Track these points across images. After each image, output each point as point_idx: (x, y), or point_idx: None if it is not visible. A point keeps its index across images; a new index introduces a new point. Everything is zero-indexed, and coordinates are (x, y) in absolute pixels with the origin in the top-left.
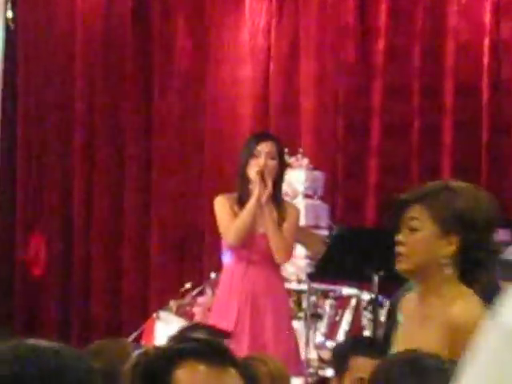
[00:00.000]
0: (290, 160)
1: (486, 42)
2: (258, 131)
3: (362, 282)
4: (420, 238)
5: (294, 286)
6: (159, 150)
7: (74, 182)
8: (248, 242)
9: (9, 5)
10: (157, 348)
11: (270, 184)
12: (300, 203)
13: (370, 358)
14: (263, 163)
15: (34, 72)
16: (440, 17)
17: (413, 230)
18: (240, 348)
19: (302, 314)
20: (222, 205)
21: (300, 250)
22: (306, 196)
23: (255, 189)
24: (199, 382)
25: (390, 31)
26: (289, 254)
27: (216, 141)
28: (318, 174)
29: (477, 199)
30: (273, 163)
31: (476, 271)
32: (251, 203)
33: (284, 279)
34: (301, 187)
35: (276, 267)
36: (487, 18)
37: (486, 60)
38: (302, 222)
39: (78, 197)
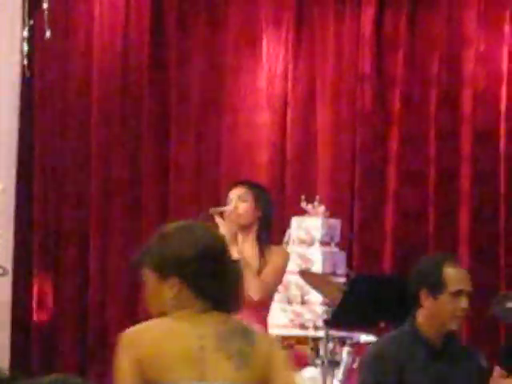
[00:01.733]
0: (307, 207)
1: (504, 89)
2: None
3: (379, 330)
4: (147, 289)
5: (310, 332)
6: (175, 197)
7: (90, 235)
8: None
9: (25, 52)
10: None
11: (233, 223)
12: (317, 250)
13: None
14: (232, 207)
15: (49, 123)
16: (456, 64)
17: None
18: None
19: (319, 361)
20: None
21: (316, 297)
22: (323, 243)
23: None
24: None
25: (406, 79)
26: (260, 293)
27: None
28: (335, 221)
29: (169, 237)
30: (243, 205)
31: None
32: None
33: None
34: (318, 234)
35: (257, 311)
36: (504, 65)
37: (503, 107)
38: (319, 269)
39: (94, 252)
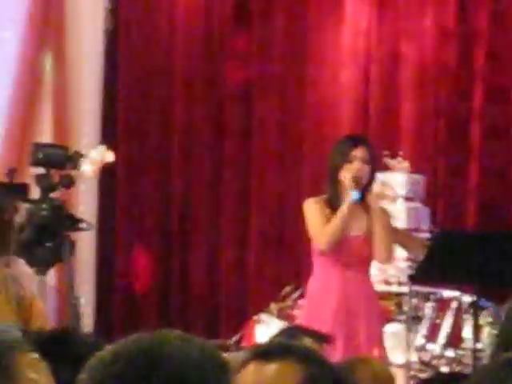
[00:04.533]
0: (391, 163)
1: None
2: (352, 134)
3: (463, 285)
4: None
5: (394, 288)
6: (259, 153)
7: (172, 187)
8: (342, 245)
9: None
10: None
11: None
12: (401, 206)
13: None
14: (358, 168)
15: (133, 81)
16: None
17: None
18: (334, 350)
19: (402, 317)
20: (313, 208)
21: (401, 253)
22: (407, 199)
23: (347, 195)
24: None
25: (491, 35)
26: (391, 255)
27: (316, 144)
28: (419, 177)
29: None
30: (366, 168)
31: None
32: (344, 209)
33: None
34: (402, 190)
35: (367, 270)
36: None
37: None
38: (403, 224)
39: (177, 208)
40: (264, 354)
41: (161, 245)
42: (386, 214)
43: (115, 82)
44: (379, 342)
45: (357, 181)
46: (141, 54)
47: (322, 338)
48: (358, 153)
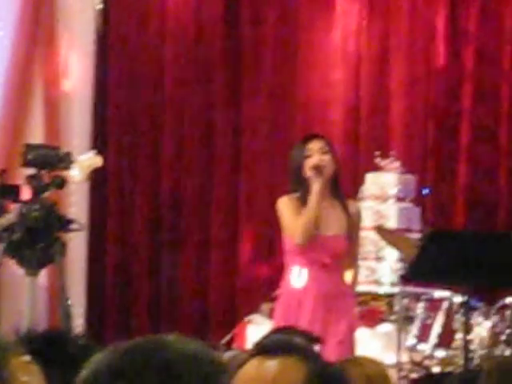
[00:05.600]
0: (382, 163)
1: None
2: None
3: (454, 285)
4: None
5: (385, 288)
6: (249, 153)
7: (162, 184)
8: (319, 245)
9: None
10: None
11: (327, 177)
12: (392, 206)
13: None
14: (317, 159)
15: (123, 79)
16: None
17: None
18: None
19: (393, 317)
20: (286, 205)
21: (392, 253)
22: (398, 199)
23: (313, 184)
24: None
25: (480, 35)
26: (356, 264)
27: None
28: (410, 177)
29: None
30: (327, 157)
31: None
32: (312, 199)
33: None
34: (392, 190)
35: (342, 271)
36: None
37: None
38: (394, 225)
39: (167, 203)
40: (267, 349)
41: (151, 245)
42: (358, 215)
43: (106, 82)
44: (349, 341)
45: (319, 168)
46: (132, 54)
47: (314, 339)
48: (313, 145)
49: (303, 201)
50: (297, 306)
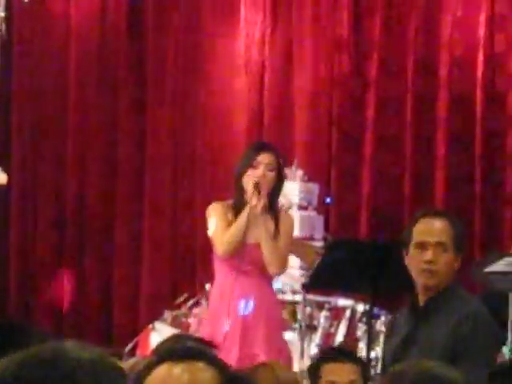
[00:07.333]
0: (285, 172)
1: (480, 54)
2: (260, 141)
3: (357, 294)
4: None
5: (288, 296)
6: (152, 161)
7: (67, 190)
8: (239, 252)
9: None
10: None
11: (264, 195)
12: (295, 214)
13: (339, 363)
14: (261, 174)
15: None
16: (433, 29)
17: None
18: (230, 359)
19: (296, 325)
20: (215, 213)
21: (294, 261)
22: (301, 207)
23: (250, 200)
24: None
25: (383, 44)
26: (283, 266)
27: (209, 153)
28: (313, 185)
29: None
30: (271, 175)
31: None
32: (243, 216)
33: (276, 290)
34: (295, 199)
35: (268, 278)
36: (481, 31)
37: (479, 73)
38: (297, 233)
39: (71, 207)
40: (175, 355)
41: (54, 258)
42: (288, 225)
43: (10, 90)
44: (279, 350)
45: (257, 186)
46: (36, 62)
47: (210, 345)
48: (263, 158)
49: (236, 209)
50: (219, 313)
